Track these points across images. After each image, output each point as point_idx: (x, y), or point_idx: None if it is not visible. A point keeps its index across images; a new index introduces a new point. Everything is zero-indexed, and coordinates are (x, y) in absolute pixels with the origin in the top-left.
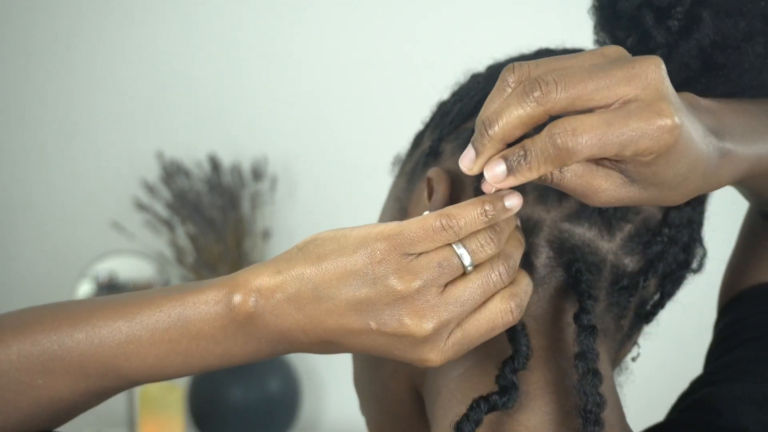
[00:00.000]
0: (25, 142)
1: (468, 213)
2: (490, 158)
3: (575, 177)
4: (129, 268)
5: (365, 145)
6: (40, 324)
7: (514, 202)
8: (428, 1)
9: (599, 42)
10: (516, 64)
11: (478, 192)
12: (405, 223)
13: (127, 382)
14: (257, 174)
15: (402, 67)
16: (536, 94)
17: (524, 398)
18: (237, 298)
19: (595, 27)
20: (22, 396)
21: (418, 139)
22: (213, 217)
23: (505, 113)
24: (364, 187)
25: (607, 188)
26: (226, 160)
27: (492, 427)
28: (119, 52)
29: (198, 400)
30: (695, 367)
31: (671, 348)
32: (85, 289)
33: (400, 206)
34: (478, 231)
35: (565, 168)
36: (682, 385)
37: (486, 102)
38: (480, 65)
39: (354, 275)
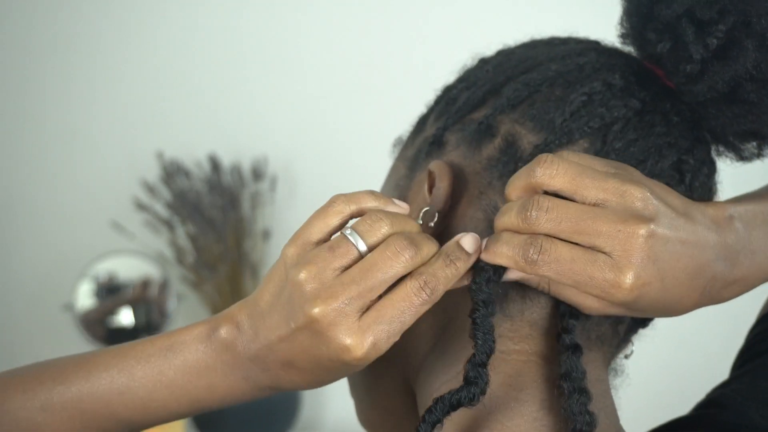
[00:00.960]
0: (25, 142)
1: (362, 198)
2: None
3: (569, 292)
4: (129, 268)
5: (365, 145)
6: (43, 371)
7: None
8: (429, 1)
9: (623, 35)
10: (549, 160)
11: (483, 194)
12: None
13: (120, 423)
14: (257, 174)
15: (402, 67)
16: (532, 253)
17: (515, 404)
18: (219, 330)
19: (623, 21)
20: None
21: (421, 123)
22: (213, 217)
23: (505, 245)
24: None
25: (596, 307)
26: (226, 160)
27: None
28: (119, 52)
29: None
30: (693, 368)
31: (670, 349)
32: (85, 289)
33: (399, 194)
34: (369, 213)
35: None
36: (680, 385)
37: (499, 216)
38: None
39: (276, 284)
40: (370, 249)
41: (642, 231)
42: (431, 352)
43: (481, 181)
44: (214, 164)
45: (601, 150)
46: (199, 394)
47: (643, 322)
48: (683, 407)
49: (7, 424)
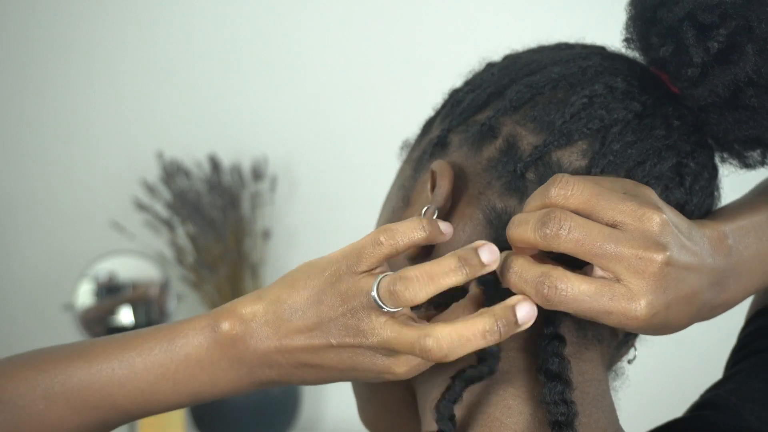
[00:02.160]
0: (25, 142)
1: (406, 228)
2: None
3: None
4: (129, 268)
5: (365, 145)
6: (45, 359)
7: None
8: (429, 1)
9: (628, 40)
10: (564, 180)
11: (482, 194)
12: (358, 240)
13: (122, 414)
14: (257, 174)
15: (403, 66)
16: (547, 292)
17: (513, 401)
18: (221, 324)
19: (628, 25)
20: (23, 420)
21: (428, 125)
22: (213, 217)
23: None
24: (364, 187)
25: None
26: (226, 160)
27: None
28: (119, 52)
29: None
30: (692, 369)
31: (666, 350)
32: (85, 289)
33: (404, 194)
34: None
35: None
36: (677, 385)
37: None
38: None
39: (319, 293)
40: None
41: (660, 258)
42: None
43: (480, 181)
44: (214, 164)
45: (599, 151)
46: (201, 388)
47: None
48: (680, 407)
49: (8, 411)
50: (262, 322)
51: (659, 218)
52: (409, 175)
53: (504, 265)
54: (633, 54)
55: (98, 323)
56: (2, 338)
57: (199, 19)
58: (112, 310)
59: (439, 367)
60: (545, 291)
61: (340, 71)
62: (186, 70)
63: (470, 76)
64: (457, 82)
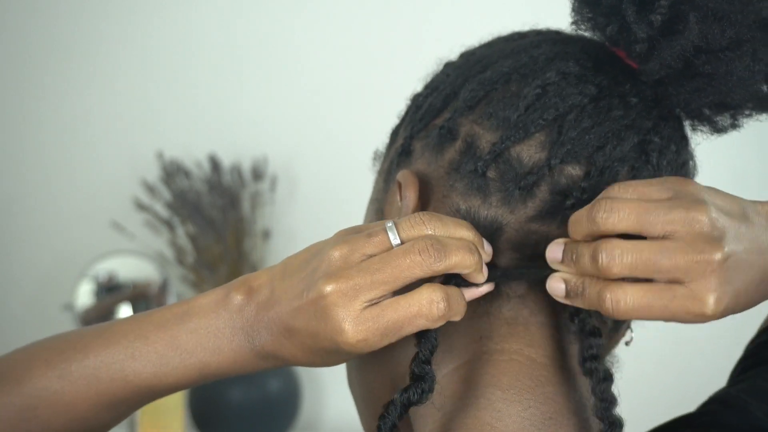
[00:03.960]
0: (25, 143)
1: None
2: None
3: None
4: (129, 268)
5: (365, 145)
6: (65, 341)
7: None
8: (429, 1)
9: (576, 22)
10: (608, 207)
11: (446, 197)
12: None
13: (133, 390)
14: (257, 174)
15: (403, 66)
16: (607, 306)
17: (501, 404)
18: (233, 293)
19: (573, 7)
20: (40, 400)
21: (394, 135)
22: (213, 217)
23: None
24: (364, 187)
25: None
26: (226, 160)
27: None
28: (119, 52)
29: (198, 400)
30: (693, 369)
31: (669, 349)
32: (85, 289)
33: (377, 207)
34: (418, 213)
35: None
36: (679, 386)
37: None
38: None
39: (310, 252)
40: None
41: (717, 257)
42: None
43: (444, 185)
44: (214, 164)
45: (557, 141)
46: (206, 357)
47: None
48: (680, 407)
49: (27, 393)
50: (264, 285)
51: (707, 218)
52: (381, 188)
53: (574, 289)
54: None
55: (98, 323)
56: (2, 338)
57: (199, 19)
58: (112, 310)
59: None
60: (606, 304)
61: (340, 71)
62: (186, 70)
63: (429, 78)
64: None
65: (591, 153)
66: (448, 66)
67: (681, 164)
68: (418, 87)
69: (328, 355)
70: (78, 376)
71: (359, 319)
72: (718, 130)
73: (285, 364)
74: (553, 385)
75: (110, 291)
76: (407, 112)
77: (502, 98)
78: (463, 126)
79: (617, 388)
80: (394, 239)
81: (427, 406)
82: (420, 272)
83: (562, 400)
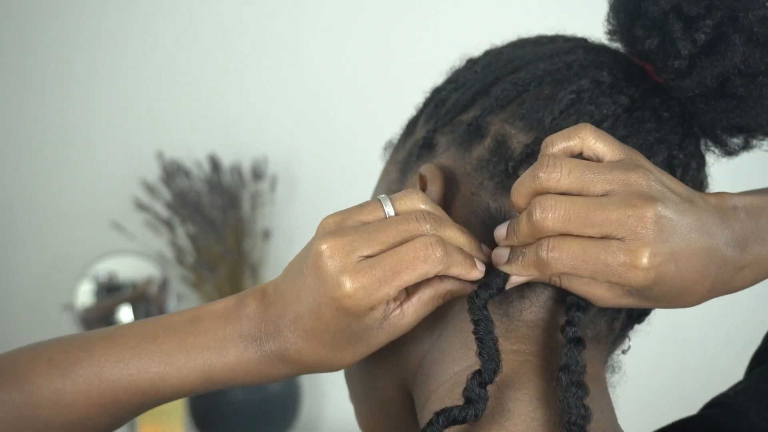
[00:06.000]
0: (24, 143)
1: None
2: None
3: (581, 284)
4: (129, 268)
5: (365, 145)
6: (68, 342)
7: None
8: (430, 1)
9: (611, 32)
10: (551, 163)
11: (475, 195)
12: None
13: (135, 394)
14: (257, 174)
15: (403, 66)
16: (542, 253)
17: (512, 404)
18: (246, 299)
19: (610, 17)
20: (41, 400)
21: (411, 126)
22: (213, 217)
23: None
24: (364, 187)
25: (608, 297)
26: (226, 160)
27: None
28: (119, 52)
29: (198, 400)
30: (693, 370)
31: (670, 350)
32: (85, 289)
33: None
34: (408, 189)
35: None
36: (680, 386)
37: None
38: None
39: (305, 247)
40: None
41: (650, 212)
42: (428, 355)
43: (472, 182)
44: (214, 164)
45: None
46: (211, 359)
47: (639, 318)
48: (679, 408)
49: (28, 392)
50: (272, 290)
51: (644, 178)
52: (396, 178)
53: (500, 254)
54: (615, 46)
55: (98, 323)
56: (2, 338)
57: (200, 19)
58: (112, 310)
59: (438, 370)
60: (542, 254)
61: (340, 71)
62: (186, 70)
63: (452, 73)
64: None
65: None
66: (474, 63)
67: (699, 182)
68: (422, 86)
69: (331, 328)
70: (81, 374)
71: (356, 268)
72: (728, 152)
73: (292, 368)
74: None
75: (110, 291)
76: (427, 105)
77: (536, 100)
78: (493, 124)
79: (617, 389)
80: (389, 210)
81: (439, 403)
82: (418, 233)
83: None
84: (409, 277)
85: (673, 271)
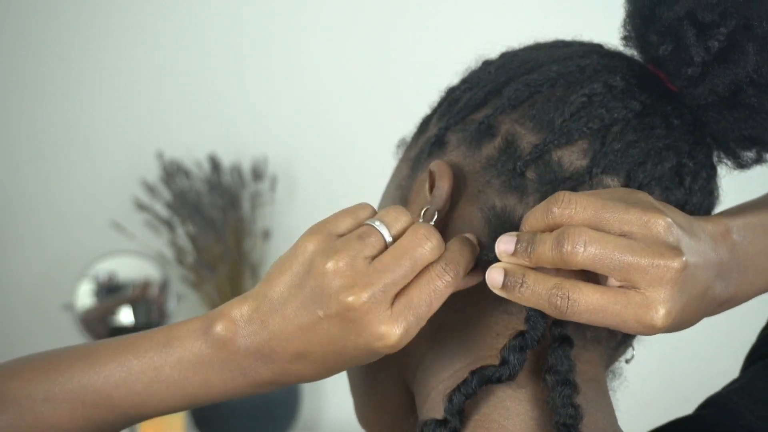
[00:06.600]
0: (24, 143)
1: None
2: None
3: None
4: (129, 268)
5: (365, 145)
6: (48, 362)
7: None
8: (430, 1)
9: (626, 38)
10: (566, 199)
11: (481, 192)
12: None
13: (120, 415)
14: (257, 174)
15: (403, 67)
16: (560, 304)
17: (511, 402)
18: (214, 327)
19: (626, 23)
20: (25, 420)
21: (425, 124)
22: (213, 217)
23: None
24: (364, 187)
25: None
26: (226, 160)
27: None
28: (119, 52)
29: None
30: (691, 371)
31: (666, 352)
32: (85, 289)
33: (401, 194)
34: (389, 208)
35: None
36: (677, 387)
37: (529, 216)
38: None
39: (294, 274)
40: (394, 239)
41: (676, 264)
42: (428, 351)
43: (479, 180)
44: (214, 164)
45: (600, 150)
46: (194, 390)
47: None
48: (679, 408)
49: (12, 413)
50: (248, 320)
51: (664, 221)
52: (407, 174)
53: (512, 280)
54: (630, 51)
55: (98, 323)
56: (2, 338)
57: (200, 19)
58: (112, 310)
59: (439, 367)
60: (558, 302)
61: (340, 71)
62: (186, 70)
63: (467, 73)
64: (455, 80)
65: (631, 167)
66: (489, 63)
67: (709, 192)
68: (422, 85)
69: (349, 363)
70: (62, 399)
71: (392, 317)
72: (741, 165)
73: (286, 386)
74: None
75: (110, 291)
76: (441, 104)
77: (547, 102)
78: (504, 124)
79: (617, 391)
80: (387, 235)
81: (439, 400)
82: (430, 257)
83: None
84: (437, 304)
85: (678, 319)
